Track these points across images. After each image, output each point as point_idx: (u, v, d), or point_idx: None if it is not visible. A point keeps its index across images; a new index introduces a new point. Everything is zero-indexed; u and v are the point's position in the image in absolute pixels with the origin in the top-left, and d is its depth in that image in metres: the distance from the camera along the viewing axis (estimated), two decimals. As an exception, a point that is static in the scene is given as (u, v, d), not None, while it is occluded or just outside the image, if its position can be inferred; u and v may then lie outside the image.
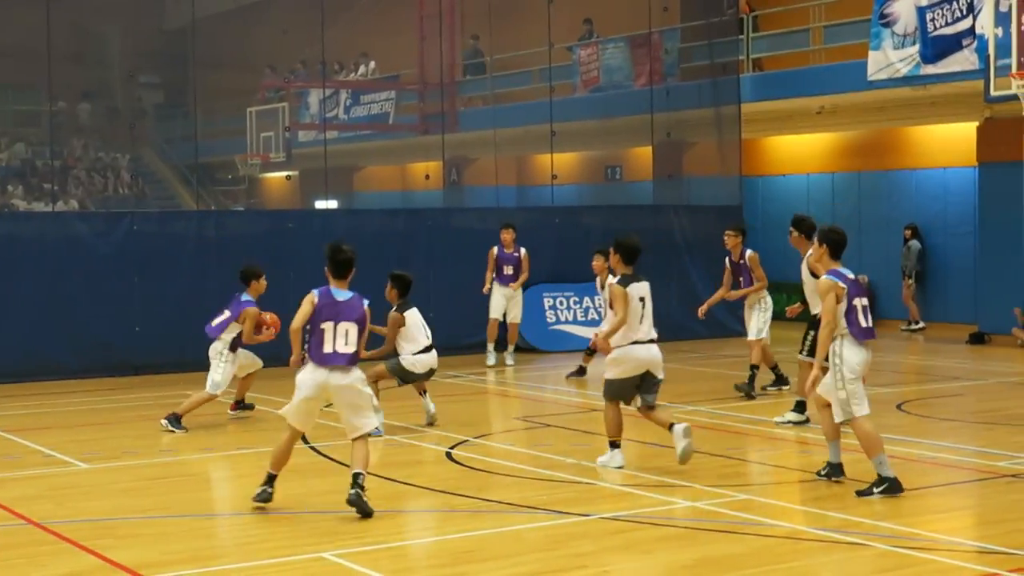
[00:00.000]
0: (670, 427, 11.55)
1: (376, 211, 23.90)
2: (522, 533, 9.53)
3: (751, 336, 16.15)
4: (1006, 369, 18.36)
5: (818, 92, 23.11)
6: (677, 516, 9.91)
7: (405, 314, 13.87)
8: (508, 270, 19.42)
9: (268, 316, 14.57)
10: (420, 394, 14.36)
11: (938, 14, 20.39)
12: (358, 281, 18.46)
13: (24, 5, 23.02)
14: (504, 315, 19.46)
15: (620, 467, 11.64)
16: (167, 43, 32.16)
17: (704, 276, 22.60)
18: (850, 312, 10.48)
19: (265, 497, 10.07)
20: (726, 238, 16.38)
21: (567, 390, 17.32)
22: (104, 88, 34.47)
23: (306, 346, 9.84)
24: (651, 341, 11.59)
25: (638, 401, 11.79)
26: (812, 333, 12.67)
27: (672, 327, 18.60)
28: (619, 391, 11.74)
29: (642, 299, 11.56)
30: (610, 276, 11.90)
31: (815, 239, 11.48)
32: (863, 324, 10.50)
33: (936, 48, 20.41)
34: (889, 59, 21.16)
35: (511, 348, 19.61)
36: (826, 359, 10.51)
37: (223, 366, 14.23)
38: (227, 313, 14.42)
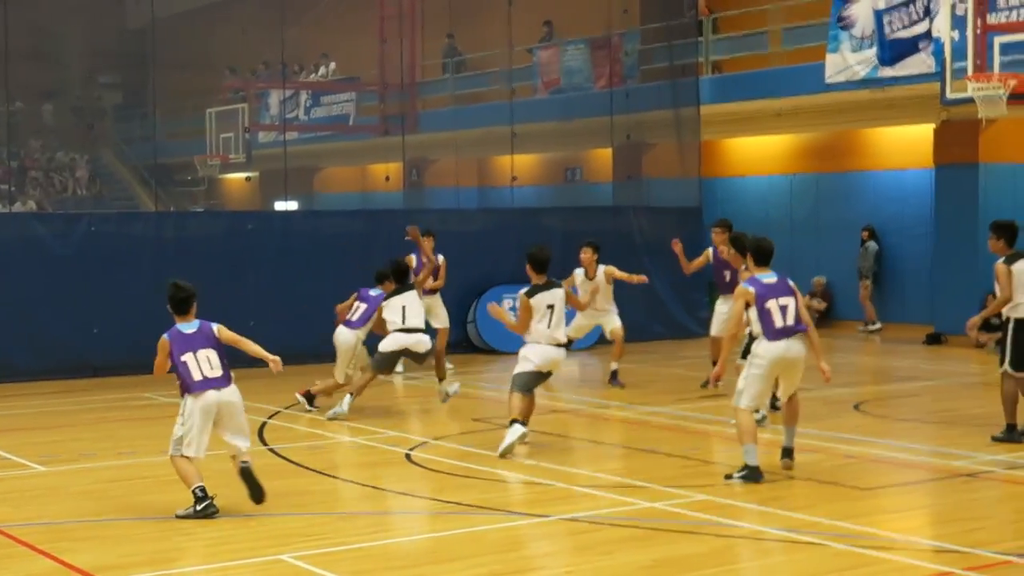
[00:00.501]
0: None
1: (336, 212, 23.90)
2: (482, 534, 9.54)
3: (716, 331, 16.17)
4: (962, 369, 18.50)
5: (777, 94, 23.23)
6: (636, 517, 9.95)
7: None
8: (430, 283, 19.04)
9: None
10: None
11: (895, 17, 20.55)
12: (317, 280, 18.59)
13: (-19, 4, 22.86)
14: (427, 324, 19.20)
15: (523, 435, 12.32)
16: (126, 43, 32.01)
17: (664, 277, 22.66)
18: (763, 314, 11.16)
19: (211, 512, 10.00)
20: (713, 235, 16.48)
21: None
22: (63, 88, 34.30)
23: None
24: (558, 345, 12.54)
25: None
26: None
27: (632, 328, 18.62)
28: (525, 384, 12.56)
29: (550, 306, 12.46)
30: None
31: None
32: (776, 325, 11.13)
33: (893, 51, 20.57)
34: (847, 61, 21.31)
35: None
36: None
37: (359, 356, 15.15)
38: (364, 305, 15.12)
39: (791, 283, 11.45)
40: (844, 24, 21.36)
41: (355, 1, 29.94)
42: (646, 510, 10.14)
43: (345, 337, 15.20)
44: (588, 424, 14.65)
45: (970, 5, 15.79)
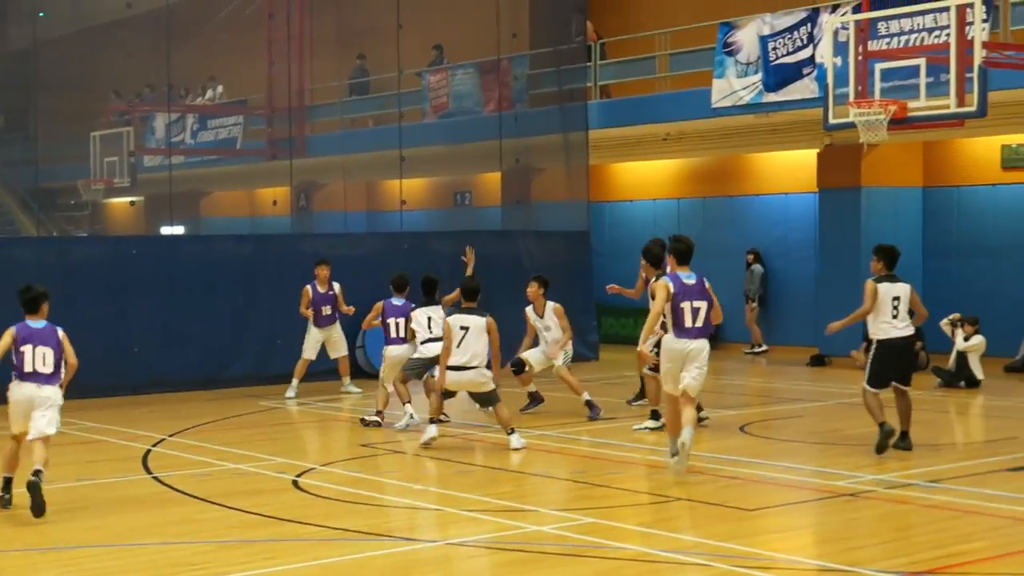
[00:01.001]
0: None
1: (223, 237, 23.61)
2: (370, 560, 9.46)
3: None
4: (845, 391, 18.74)
5: (664, 119, 23.43)
6: (524, 541, 9.93)
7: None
8: (326, 310, 18.83)
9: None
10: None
11: (779, 43, 20.86)
12: (204, 305, 18.36)
13: None
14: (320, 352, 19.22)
15: (433, 437, 13.88)
16: (8, 65, 31.38)
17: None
18: (676, 312, 12.11)
19: (4, 504, 10.96)
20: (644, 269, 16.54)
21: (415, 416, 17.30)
22: (-59, 110, 33.53)
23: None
24: (466, 368, 13.67)
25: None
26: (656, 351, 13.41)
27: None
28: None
29: (464, 328, 13.66)
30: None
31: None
32: (686, 324, 12.12)
33: (777, 76, 20.86)
34: (732, 87, 21.57)
35: (347, 379, 19.40)
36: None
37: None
38: (402, 320, 15.96)
39: (707, 284, 12.38)
40: (730, 50, 21.63)
41: (243, 24, 29.69)
42: (533, 534, 10.13)
43: (398, 352, 15.91)
44: (477, 449, 14.61)
45: (852, 32, 16.05)
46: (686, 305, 12.12)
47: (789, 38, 20.74)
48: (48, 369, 11.02)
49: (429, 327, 15.50)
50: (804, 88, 20.44)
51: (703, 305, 12.19)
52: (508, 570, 9.06)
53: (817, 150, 23.07)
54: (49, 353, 11.05)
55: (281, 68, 26.90)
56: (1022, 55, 16.86)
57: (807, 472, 12.64)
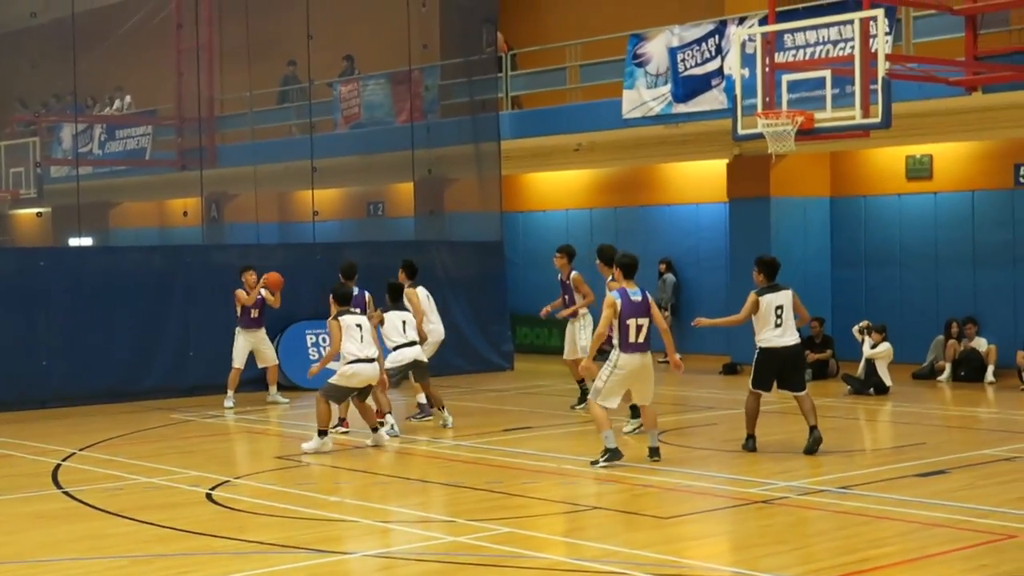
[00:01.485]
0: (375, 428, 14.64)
1: (132, 248, 23.38)
2: (285, 573, 9.41)
3: (570, 355, 17.36)
4: (757, 398, 18.93)
5: (575, 129, 23.55)
6: (440, 552, 9.94)
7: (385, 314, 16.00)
8: (254, 313, 18.96)
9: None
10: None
11: (688, 55, 21.05)
12: (113, 318, 18.21)
13: None
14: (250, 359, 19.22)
15: (330, 450, 14.27)
16: (-90, 74, 30.87)
17: (466, 311, 22.79)
18: (621, 328, 12.91)
19: None
20: (555, 260, 17.61)
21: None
22: None
23: None
24: (369, 360, 14.36)
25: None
26: None
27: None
28: (337, 395, 14.51)
29: (359, 325, 14.42)
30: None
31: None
32: (630, 340, 12.94)
33: (687, 88, 21.05)
34: (643, 98, 21.73)
35: (274, 389, 19.35)
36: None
37: None
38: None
39: (651, 300, 13.32)
40: (639, 61, 21.80)
41: (151, 34, 29.39)
42: (450, 544, 10.14)
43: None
44: (391, 459, 14.59)
45: (759, 44, 16.25)
46: (631, 322, 12.97)
47: (697, 50, 20.94)
48: None
49: (404, 331, 15.87)
50: (713, 99, 20.65)
51: (646, 322, 13.07)
52: (425, 581, 9.06)
53: (727, 160, 23.30)
54: None
55: (190, 78, 26.66)
56: (925, 67, 17.19)
57: (721, 480, 12.77)
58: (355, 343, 14.37)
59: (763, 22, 17.46)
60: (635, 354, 13.06)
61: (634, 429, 15.32)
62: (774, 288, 14.03)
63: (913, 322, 21.90)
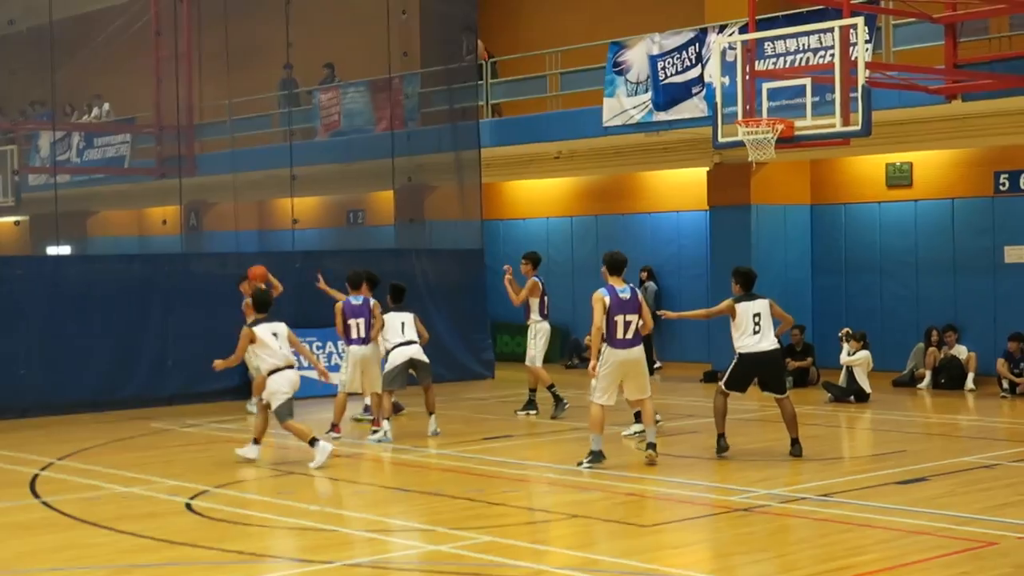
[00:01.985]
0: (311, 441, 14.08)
1: (111, 257, 23.27)
2: (264, 583, 9.38)
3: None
4: (737, 407, 18.87)
5: (556, 137, 23.56)
6: (421, 560, 9.90)
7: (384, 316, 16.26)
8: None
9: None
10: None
11: (668, 63, 21.07)
12: (91, 327, 18.13)
13: None
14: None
15: (255, 458, 14.32)
16: None
17: (446, 319, 22.73)
18: (610, 325, 13.17)
19: None
20: (521, 266, 18.03)
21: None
22: None
23: None
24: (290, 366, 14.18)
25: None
26: None
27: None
28: (283, 411, 14.23)
29: (275, 334, 14.20)
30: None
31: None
32: (618, 336, 13.20)
33: (667, 96, 21.07)
34: (623, 106, 21.74)
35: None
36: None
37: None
38: (361, 320, 16.18)
39: (640, 297, 13.58)
40: (620, 69, 21.81)
41: (130, 41, 29.31)
42: (430, 553, 10.10)
43: (359, 352, 16.16)
44: (371, 468, 14.55)
45: (739, 52, 16.26)
46: (619, 319, 13.23)
47: (678, 58, 20.96)
48: None
49: (403, 331, 16.12)
50: (693, 107, 20.67)
51: (635, 318, 13.32)
52: (405, 590, 9.02)
53: (707, 168, 23.31)
54: None
55: (169, 86, 26.59)
56: (905, 75, 17.24)
57: (701, 487, 12.75)
58: (272, 353, 14.18)
59: (743, 30, 17.49)
60: (623, 349, 13.27)
61: (635, 433, 15.53)
62: (751, 297, 14.21)
63: (893, 329, 21.94)
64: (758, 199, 22.81)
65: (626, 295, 13.42)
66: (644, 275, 24.52)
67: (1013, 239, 21.06)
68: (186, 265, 21.53)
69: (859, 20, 15.18)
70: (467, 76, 24.81)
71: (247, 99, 28.93)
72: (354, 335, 16.20)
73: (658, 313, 15.60)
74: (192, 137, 28.15)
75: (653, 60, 21.20)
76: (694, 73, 20.70)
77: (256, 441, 14.49)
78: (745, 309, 14.05)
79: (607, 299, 13.30)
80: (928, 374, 20.65)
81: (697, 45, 20.65)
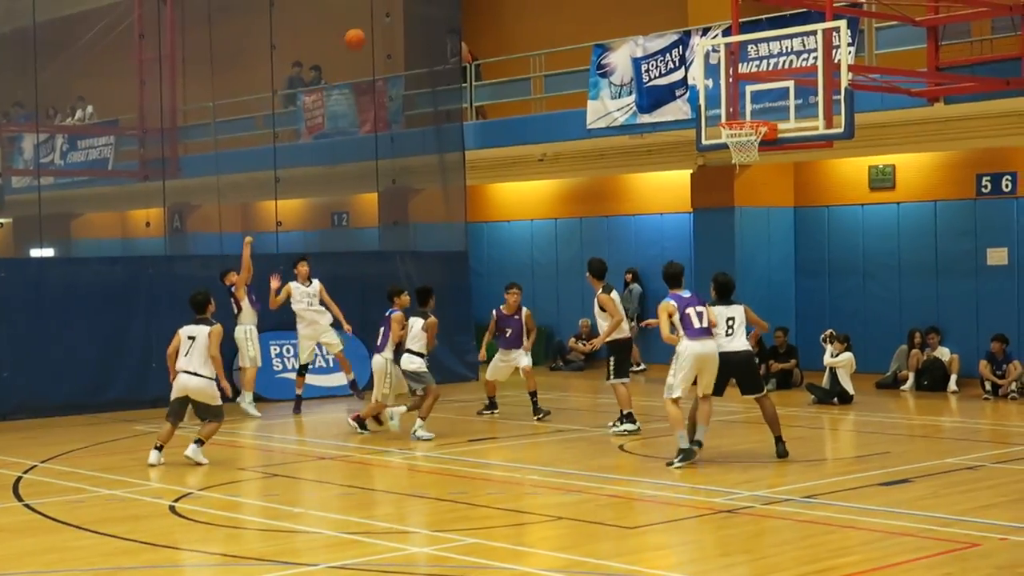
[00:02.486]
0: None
1: (95, 259, 23.21)
2: (248, 586, 9.37)
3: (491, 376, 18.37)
4: (721, 408, 18.90)
5: (540, 140, 23.57)
6: (406, 563, 9.90)
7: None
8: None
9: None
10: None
11: (652, 65, 21.10)
12: (75, 329, 18.08)
13: None
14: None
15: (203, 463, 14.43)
16: None
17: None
18: (684, 319, 13.72)
19: None
20: (508, 294, 18.43)
21: (292, 439, 17.18)
22: None
23: None
24: (191, 373, 14.43)
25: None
26: (612, 358, 16.30)
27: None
28: (170, 408, 14.71)
29: (191, 337, 14.50)
30: None
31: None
32: (695, 326, 13.71)
33: (651, 98, 21.09)
34: (607, 108, 21.76)
35: (249, 396, 19.24)
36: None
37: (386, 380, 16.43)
38: (382, 328, 16.45)
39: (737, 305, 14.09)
40: (604, 72, 21.83)
41: (113, 43, 29.25)
42: (415, 555, 10.11)
43: (376, 362, 16.53)
44: (355, 470, 14.54)
45: (722, 55, 16.31)
46: (691, 311, 13.73)
47: (661, 60, 20.99)
48: None
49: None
50: (677, 110, 20.69)
51: (704, 310, 13.85)
52: (390, 593, 9.02)
53: (691, 171, 23.36)
54: None
55: (153, 88, 26.53)
56: (887, 78, 17.29)
57: (685, 489, 12.77)
58: (181, 356, 14.51)
59: (727, 33, 17.53)
60: (698, 340, 13.73)
61: (625, 431, 16.07)
62: (727, 302, 14.32)
63: (876, 332, 22.00)
64: (742, 201, 22.86)
65: (687, 294, 14.00)
66: (629, 277, 24.54)
67: (995, 241, 21.14)
68: (170, 267, 21.49)
69: (842, 23, 15.24)
70: (451, 78, 24.82)
71: (231, 101, 28.90)
72: (379, 343, 16.61)
73: (642, 324, 16.37)
74: (176, 139, 28.10)
75: (637, 63, 21.23)
76: (678, 76, 20.73)
77: (158, 448, 14.63)
78: (720, 312, 14.17)
79: (673, 303, 13.82)
80: (911, 376, 20.71)
81: (681, 48, 20.68)
